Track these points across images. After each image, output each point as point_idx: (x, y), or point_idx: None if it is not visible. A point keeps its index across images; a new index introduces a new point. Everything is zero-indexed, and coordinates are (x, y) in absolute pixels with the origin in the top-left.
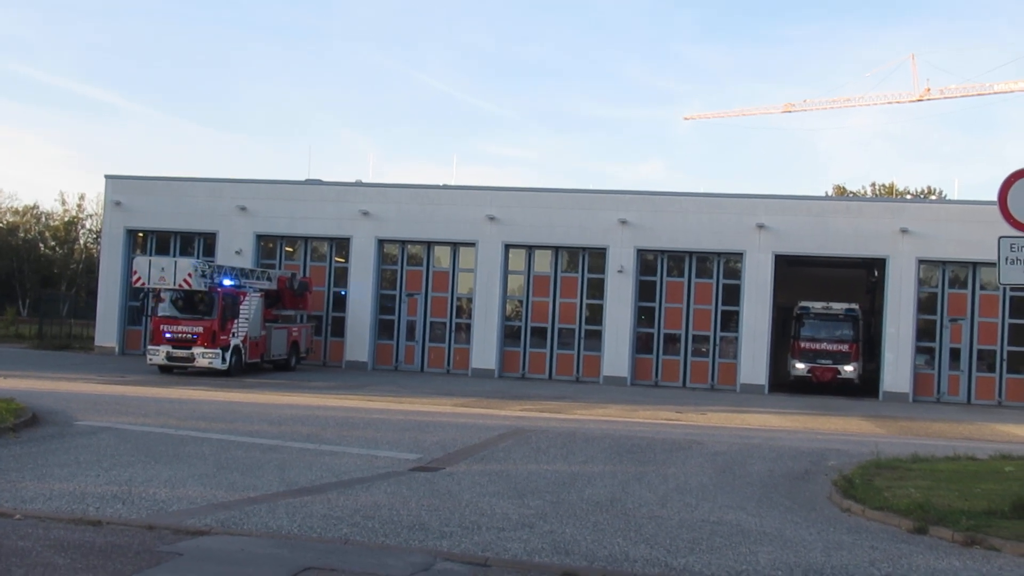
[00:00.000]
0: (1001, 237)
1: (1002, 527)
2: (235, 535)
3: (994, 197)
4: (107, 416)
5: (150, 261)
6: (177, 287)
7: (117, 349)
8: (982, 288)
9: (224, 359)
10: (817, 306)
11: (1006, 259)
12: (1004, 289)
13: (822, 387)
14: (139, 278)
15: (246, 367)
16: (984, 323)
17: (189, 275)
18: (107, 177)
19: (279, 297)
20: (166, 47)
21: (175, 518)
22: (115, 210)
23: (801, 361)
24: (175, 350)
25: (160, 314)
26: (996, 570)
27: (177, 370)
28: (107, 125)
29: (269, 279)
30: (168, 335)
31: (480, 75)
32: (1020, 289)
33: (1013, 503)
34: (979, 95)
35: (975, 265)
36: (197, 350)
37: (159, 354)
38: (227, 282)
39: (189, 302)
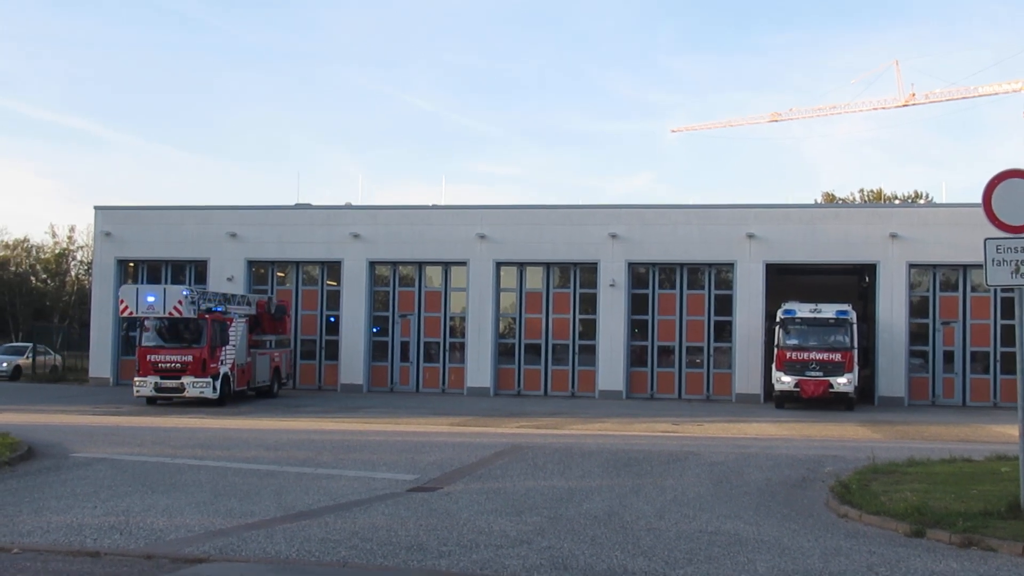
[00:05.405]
0: (987, 239)
1: (999, 527)
2: (233, 562)
3: (980, 199)
4: (103, 447)
5: (136, 289)
6: (167, 315)
7: (111, 380)
8: (973, 290)
9: (215, 388)
10: (804, 309)
11: (992, 260)
12: (995, 291)
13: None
14: (126, 307)
15: (234, 395)
16: (976, 325)
17: (179, 302)
18: (96, 208)
19: (259, 322)
20: (149, 75)
21: (173, 547)
22: (105, 241)
23: (787, 373)
24: (164, 380)
25: (146, 344)
26: (993, 570)
27: (162, 401)
28: (94, 156)
29: (249, 304)
30: (156, 365)
31: (465, 93)
32: (1010, 290)
33: (1009, 503)
34: (964, 98)
35: (965, 268)
36: (187, 379)
37: (147, 385)
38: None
39: (175, 330)
